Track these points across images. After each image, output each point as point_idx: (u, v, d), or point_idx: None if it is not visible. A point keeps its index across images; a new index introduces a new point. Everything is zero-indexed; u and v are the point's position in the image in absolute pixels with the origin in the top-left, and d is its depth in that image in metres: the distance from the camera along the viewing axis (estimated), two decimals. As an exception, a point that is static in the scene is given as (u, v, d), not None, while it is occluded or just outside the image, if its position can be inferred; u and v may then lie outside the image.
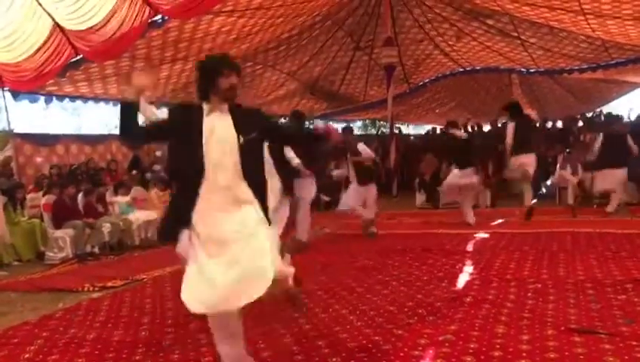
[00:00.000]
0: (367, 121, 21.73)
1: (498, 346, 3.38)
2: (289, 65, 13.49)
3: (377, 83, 15.21)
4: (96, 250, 8.25)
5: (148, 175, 10.31)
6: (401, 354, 3.34)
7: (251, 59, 12.44)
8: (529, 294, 4.52)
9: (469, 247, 6.80)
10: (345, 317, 4.16)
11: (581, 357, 3.17)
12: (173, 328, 4.13)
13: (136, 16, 7.51)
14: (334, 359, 3.33)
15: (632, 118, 15.66)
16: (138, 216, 8.89)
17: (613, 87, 15.72)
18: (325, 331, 3.86)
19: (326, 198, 11.37)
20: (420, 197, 11.94)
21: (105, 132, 17.87)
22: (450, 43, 13.68)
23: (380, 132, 19.59)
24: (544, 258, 5.88)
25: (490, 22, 12.23)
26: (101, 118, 25.79)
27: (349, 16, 12.83)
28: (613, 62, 12.53)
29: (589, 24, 10.65)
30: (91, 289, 5.78)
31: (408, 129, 22.57)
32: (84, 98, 11.19)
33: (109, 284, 5.89)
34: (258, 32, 10.80)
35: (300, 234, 7.04)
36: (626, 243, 6.47)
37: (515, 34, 12.34)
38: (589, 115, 16.23)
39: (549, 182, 11.23)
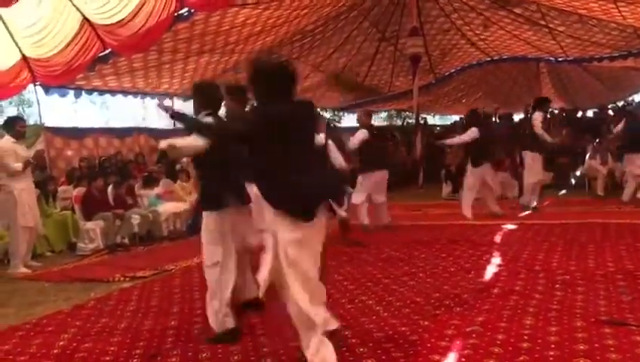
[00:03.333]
0: (392, 112, 21.62)
1: (526, 337, 3.37)
2: (314, 58, 13.48)
3: (403, 73, 15.12)
4: (125, 241, 8.39)
5: (178, 166, 10.37)
6: (428, 345, 3.34)
7: (276, 52, 12.46)
8: (557, 285, 4.47)
9: (497, 238, 6.74)
10: (371, 307, 4.18)
11: (611, 349, 3.13)
12: (201, 317, 4.19)
13: (162, 10, 7.58)
14: (362, 349, 3.35)
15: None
16: (166, 208, 9.01)
17: (644, 76, 15.37)
18: (352, 321, 3.88)
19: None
20: (446, 188, 11.86)
21: (132, 125, 18.06)
22: (477, 32, 13.50)
23: (405, 122, 19.49)
24: (573, 249, 5.81)
25: (517, 10, 12.03)
26: (129, 111, 26.09)
27: (374, 7, 12.74)
28: (644, 50, 12.22)
29: (619, 11, 10.39)
30: (122, 279, 5.90)
31: (434, 119, 22.41)
32: (113, 91, 11.34)
33: (139, 274, 6.00)
34: (283, 24, 10.81)
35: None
36: (657, 235, 6.35)
37: (544, 22, 12.12)
38: (620, 103, 15.91)
39: (578, 173, 11.07)
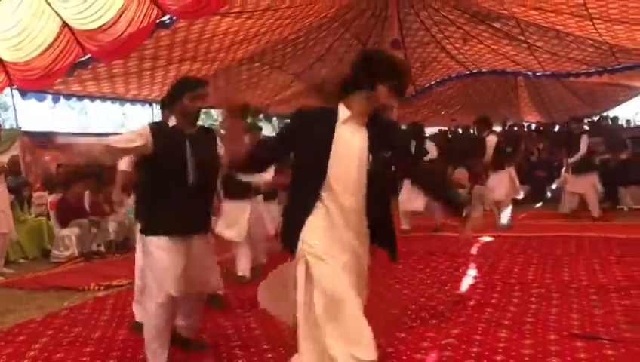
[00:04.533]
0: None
1: (500, 350, 3.40)
2: (295, 67, 13.50)
3: (383, 85, 15.21)
4: (101, 248, 8.29)
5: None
6: (404, 358, 3.36)
7: (258, 60, 12.47)
8: (532, 298, 4.53)
9: (474, 251, 6.80)
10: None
11: (583, 362, 3.18)
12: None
13: (144, 17, 7.56)
14: (337, 361, 3.34)
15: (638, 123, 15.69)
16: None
17: (619, 91, 15.67)
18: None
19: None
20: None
21: (111, 131, 17.92)
22: (456, 46, 13.65)
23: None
24: (548, 262, 5.89)
25: (496, 25, 12.20)
26: (108, 117, 25.87)
27: (355, 19, 12.83)
28: (620, 66, 12.47)
29: (596, 29, 10.61)
30: (97, 288, 5.82)
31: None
32: (92, 97, 11.24)
33: (115, 283, 5.92)
34: (265, 33, 10.82)
35: None
36: (630, 248, 6.46)
37: (522, 38, 12.31)
38: (596, 118, 16.20)
39: (554, 186, 11.23)
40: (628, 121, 16.08)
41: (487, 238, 7.61)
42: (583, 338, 3.55)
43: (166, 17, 8.27)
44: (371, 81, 2.45)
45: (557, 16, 10.56)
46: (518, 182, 8.87)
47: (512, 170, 8.83)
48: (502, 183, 8.62)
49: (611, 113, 16.78)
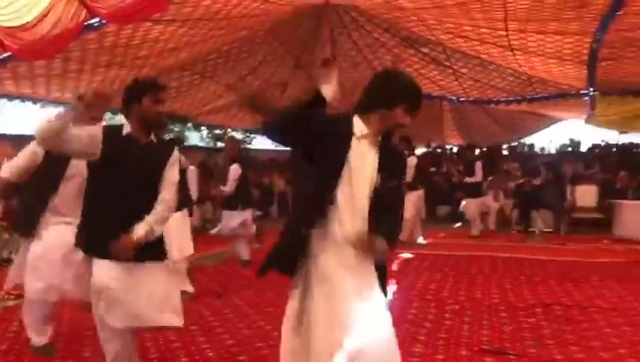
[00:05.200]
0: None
1: (415, 364, 3.52)
2: (228, 78, 13.45)
3: (314, 102, 15.40)
4: (13, 256, 7.87)
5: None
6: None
7: (189, 69, 12.34)
8: (447, 315, 4.71)
9: (394, 267, 6.99)
10: (269, 333, 4.20)
11: (490, 376, 3.35)
12: (90, 339, 4.02)
13: (71, 18, 7.32)
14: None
15: (552, 150, 16.68)
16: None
17: (536, 120, 16.57)
18: (248, 347, 3.88)
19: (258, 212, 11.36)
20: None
21: (29, 133, 17.10)
22: (386, 68, 14.06)
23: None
24: (463, 280, 6.15)
25: (424, 50, 12.67)
26: (26, 119, 24.64)
27: (290, 34, 12.96)
28: (537, 96, 13.24)
29: (516, 59, 11.25)
30: (6, 297, 5.53)
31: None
32: (10, 97, 10.75)
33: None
34: (198, 43, 10.73)
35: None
36: (539, 269, 6.86)
37: (448, 63, 12.84)
38: (514, 144, 17.08)
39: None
40: (542, 149, 17.05)
41: (407, 255, 7.83)
42: (492, 353, 3.74)
43: (95, 20, 8.04)
44: (393, 100, 2.41)
45: (481, 45, 11.12)
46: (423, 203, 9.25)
47: (422, 192, 9.11)
48: (412, 204, 8.70)
49: (528, 140, 17.74)
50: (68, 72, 10.07)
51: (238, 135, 16.94)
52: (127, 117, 2.91)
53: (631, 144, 14.87)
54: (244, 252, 7.18)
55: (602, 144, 15.73)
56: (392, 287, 5.75)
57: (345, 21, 12.49)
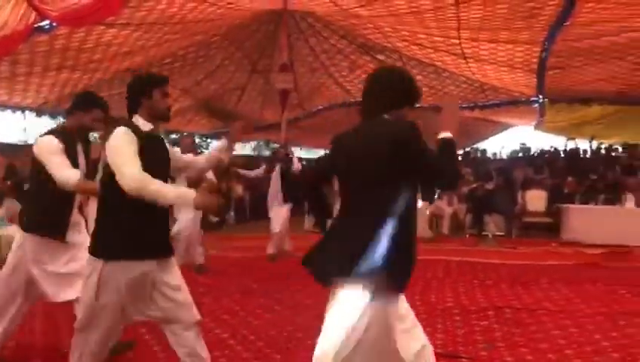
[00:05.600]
0: (261, 143, 21.87)
1: (370, 370, 3.56)
2: (184, 82, 13.31)
3: (273, 106, 15.39)
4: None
5: (26, 185, 9.60)
6: None
7: (145, 72, 12.19)
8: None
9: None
10: (225, 341, 4.18)
11: (443, 379, 3.42)
12: (41, 351, 3.92)
13: (19, 20, 7.12)
14: None
15: (504, 156, 17.13)
16: (9, 232, 8.27)
17: (488, 126, 17.00)
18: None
19: (215, 219, 11.27)
20: (309, 221, 12.17)
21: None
22: (343, 74, 14.17)
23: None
24: (418, 284, 6.24)
25: (380, 57, 12.84)
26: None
27: (247, 39, 12.93)
28: (489, 103, 13.60)
29: (469, 67, 11.54)
30: None
31: (301, 152, 22.97)
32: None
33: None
34: (152, 47, 10.59)
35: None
36: (491, 272, 7.03)
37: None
38: (467, 149, 17.45)
39: (427, 212, 11.89)
40: (494, 154, 17.49)
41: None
42: (445, 357, 3.81)
43: (45, 22, 7.85)
44: (407, 101, 2.46)
45: (435, 52, 11.35)
46: None
47: None
48: None
49: (480, 146, 18.17)
50: (16, 75, 9.79)
51: (195, 140, 16.75)
52: (133, 113, 2.80)
53: (577, 150, 15.42)
54: (198, 256, 7.09)
55: (551, 150, 16.24)
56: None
57: (302, 27, 12.56)
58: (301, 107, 15.90)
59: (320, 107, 16.15)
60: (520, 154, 16.66)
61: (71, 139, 3.47)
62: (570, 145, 15.64)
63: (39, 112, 11.52)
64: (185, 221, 6.74)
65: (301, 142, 20.17)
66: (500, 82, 12.27)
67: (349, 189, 2.39)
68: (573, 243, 9.82)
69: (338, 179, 2.46)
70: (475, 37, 9.84)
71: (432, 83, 13.23)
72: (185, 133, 12.87)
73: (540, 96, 12.15)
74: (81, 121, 3.52)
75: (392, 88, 2.43)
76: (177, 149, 4.36)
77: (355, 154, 2.35)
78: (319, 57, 13.61)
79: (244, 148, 23.65)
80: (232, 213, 14.36)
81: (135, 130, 2.69)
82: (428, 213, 11.68)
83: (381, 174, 2.26)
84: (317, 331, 4.30)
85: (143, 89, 2.78)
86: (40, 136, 3.49)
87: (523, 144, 17.09)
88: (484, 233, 11.04)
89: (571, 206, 11.04)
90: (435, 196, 11.56)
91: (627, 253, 8.70)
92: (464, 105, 13.91)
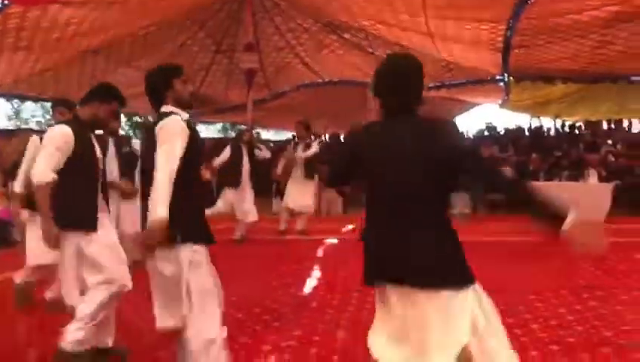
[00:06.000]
0: (227, 124, 21.59)
1: (338, 350, 3.53)
2: (145, 63, 12.98)
3: (238, 86, 15.18)
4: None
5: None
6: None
7: (105, 53, 11.83)
8: (369, 299, 4.74)
9: (319, 253, 7.01)
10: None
11: (411, 357, 3.41)
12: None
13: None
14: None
15: (470, 135, 17.26)
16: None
17: (455, 105, 17.08)
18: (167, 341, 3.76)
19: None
20: (276, 204, 12.08)
21: None
22: (309, 54, 14.03)
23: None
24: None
25: (347, 36, 12.74)
26: None
27: (210, 19, 12.67)
28: (455, 82, 13.64)
29: (435, 46, 11.52)
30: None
31: (268, 134, 22.80)
32: None
33: None
34: (112, 27, 10.28)
35: None
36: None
37: (370, 50, 12.97)
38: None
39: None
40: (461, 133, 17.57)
41: (333, 241, 7.88)
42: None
43: (-3, 1, 7.53)
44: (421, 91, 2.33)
45: (402, 31, 11.29)
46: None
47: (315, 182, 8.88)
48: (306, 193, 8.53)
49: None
50: (-32, 55, 9.41)
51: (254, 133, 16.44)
52: (159, 105, 2.83)
53: (541, 128, 15.62)
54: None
55: (516, 128, 16.43)
56: (316, 274, 5.77)
57: (267, 5, 12.37)
58: (267, 87, 15.72)
59: (287, 88, 15.98)
60: (486, 133, 16.80)
61: (84, 129, 3.35)
62: (535, 123, 15.84)
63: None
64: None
65: (268, 124, 19.99)
66: (465, 61, 12.30)
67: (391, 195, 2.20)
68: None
69: (369, 181, 2.28)
70: (441, 15, 9.81)
71: (398, 62, 13.20)
72: (245, 127, 12.49)
73: (506, 75, 12.23)
74: (97, 112, 3.38)
75: (421, 80, 2.31)
76: None
77: (403, 155, 2.18)
78: (285, 36, 13.45)
79: (209, 131, 23.40)
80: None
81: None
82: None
83: (438, 179, 2.15)
84: (284, 313, 4.28)
85: (165, 82, 2.81)
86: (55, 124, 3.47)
87: (489, 123, 17.24)
88: (452, 211, 11.09)
89: (536, 183, 11.19)
90: None
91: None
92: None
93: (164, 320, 2.74)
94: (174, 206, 2.56)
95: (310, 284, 5.33)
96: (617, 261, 6.26)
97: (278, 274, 5.82)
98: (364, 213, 2.31)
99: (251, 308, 4.51)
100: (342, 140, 2.72)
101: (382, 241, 2.24)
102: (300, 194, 8.41)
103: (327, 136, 16.53)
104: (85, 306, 3.10)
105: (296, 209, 8.50)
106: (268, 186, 12.50)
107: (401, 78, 2.27)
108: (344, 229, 9.11)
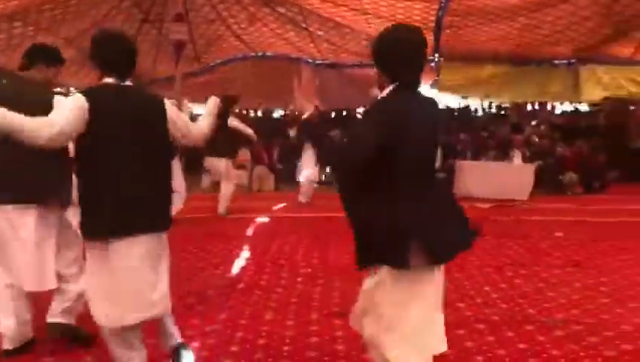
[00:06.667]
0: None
1: (264, 333, 3.43)
2: (66, 31, 12.21)
3: (166, 58, 14.58)
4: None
5: None
6: (163, 351, 3.17)
7: (21, 19, 11.01)
8: (299, 279, 4.69)
9: (249, 232, 6.86)
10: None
11: (340, 340, 3.36)
12: None
13: None
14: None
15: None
16: None
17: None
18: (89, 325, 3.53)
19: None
20: (206, 180, 11.79)
21: None
22: (242, 26, 13.64)
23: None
24: (317, 242, 6.18)
25: (281, 10, 12.45)
26: None
27: (137, -14, 12.06)
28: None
29: (369, 24, 11.45)
30: None
31: (200, 109, 22.21)
32: None
33: None
34: (28, -10, 9.57)
35: None
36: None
37: (304, 25, 12.75)
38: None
39: (328, 169, 11.88)
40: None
41: (263, 219, 7.74)
42: (341, 315, 3.74)
43: None
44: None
45: (336, 7, 11.15)
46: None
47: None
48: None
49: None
50: None
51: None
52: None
53: (469, 108, 15.97)
54: None
55: (445, 108, 16.72)
56: (245, 254, 5.63)
57: (197, -26, 11.88)
58: (197, 60, 15.20)
59: (218, 61, 15.52)
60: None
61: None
62: (464, 103, 16.16)
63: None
64: None
65: (198, 99, 19.42)
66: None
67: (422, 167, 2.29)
68: (466, 198, 10.18)
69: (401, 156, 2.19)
70: (376, -8, 9.75)
71: (333, 39, 13.07)
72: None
73: (437, 55, 12.34)
74: (46, 75, 3.19)
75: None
76: None
77: (428, 131, 2.30)
78: (216, 7, 12.98)
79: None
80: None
81: None
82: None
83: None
84: (209, 296, 4.13)
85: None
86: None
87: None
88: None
89: (463, 162, 11.43)
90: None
91: (513, 207, 9.13)
92: (365, 63, 13.90)
93: None
94: None
95: (238, 265, 5.17)
96: (539, 239, 6.47)
97: (205, 254, 5.63)
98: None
99: (174, 290, 4.29)
100: (365, 116, 2.54)
101: (429, 217, 2.20)
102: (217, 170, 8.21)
103: (260, 112, 16.25)
104: None
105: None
106: (197, 162, 12.14)
107: (422, 52, 2.32)
108: (275, 207, 8.98)
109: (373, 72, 2.45)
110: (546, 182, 10.96)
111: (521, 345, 3.28)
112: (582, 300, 4.16)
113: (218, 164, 8.03)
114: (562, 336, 3.44)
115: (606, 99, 13.83)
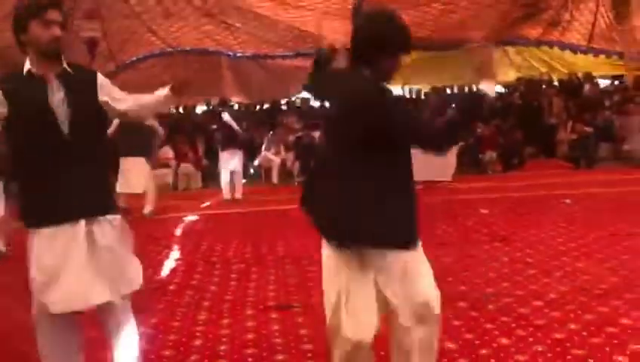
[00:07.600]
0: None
1: (199, 334, 3.32)
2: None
3: (79, 58, 13.91)
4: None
5: None
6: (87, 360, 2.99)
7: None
8: (233, 275, 4.58)
9: (177, 232, 6.67)
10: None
11: (277, 333, 3.29)
12: None
13: None
14: None
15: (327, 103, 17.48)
16: None
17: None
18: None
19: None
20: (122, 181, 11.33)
21: None
22: (158, 22, 13.22)
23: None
24: (249, 237, 6.07)
25: (197, 3, 12.16)
26: None
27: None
28: (309, 51, 13.61)
29: (288, 14, 11.38)
30: None
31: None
32: None
33: None
34: None
35: None
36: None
37: (222, 17, 12.52)
38: (293, 99, 17.50)
39: (256, 163, 11.77)
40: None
41: (192, 217, 7.55)
42: (278, 308, 3.69)
43: None
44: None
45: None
46: None
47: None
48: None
49: (305, 95, 18.28)
50: None
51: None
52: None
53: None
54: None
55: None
56: (175, 254, 5.45)
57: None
58: (113, 59, 14.62)
59: (134, 58, 14.98)
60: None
61: None
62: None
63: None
64: None
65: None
66: (319, 30, 12.30)
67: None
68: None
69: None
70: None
71: (252, 30, 12.90)
72: None
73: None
74: None
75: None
76: None
77: None
78: (129, 2, 12.50)
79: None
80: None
81: None
82: (256, 164, 11.59)
83: None
84: (138, 300, 3.93)
85: (18, 24, 2.32)
86: None
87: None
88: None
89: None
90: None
91: (439, 188, 9.34)
92: (286, 54, 13.82)
93: None
94: None
95: (168, 266, 5.00)
96: (466, 217, 6.64)
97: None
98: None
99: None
100: (399, 105, 2.48)
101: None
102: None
103: (181, 109, 15.88)
104: None
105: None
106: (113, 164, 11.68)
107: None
108: (203, 205, 8.77)
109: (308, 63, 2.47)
110: (466, 162, 11.28)
111: (456, 322, 3.33)
112: (511, 273, 4.29)
113: (135, 163, 7.59)
114: (494, 310, 3.52)
115: (519, 79, 14.47)
